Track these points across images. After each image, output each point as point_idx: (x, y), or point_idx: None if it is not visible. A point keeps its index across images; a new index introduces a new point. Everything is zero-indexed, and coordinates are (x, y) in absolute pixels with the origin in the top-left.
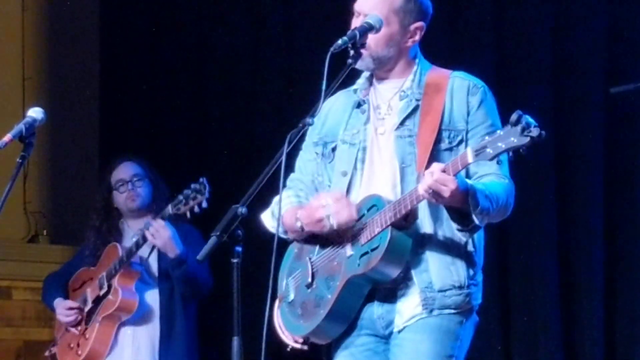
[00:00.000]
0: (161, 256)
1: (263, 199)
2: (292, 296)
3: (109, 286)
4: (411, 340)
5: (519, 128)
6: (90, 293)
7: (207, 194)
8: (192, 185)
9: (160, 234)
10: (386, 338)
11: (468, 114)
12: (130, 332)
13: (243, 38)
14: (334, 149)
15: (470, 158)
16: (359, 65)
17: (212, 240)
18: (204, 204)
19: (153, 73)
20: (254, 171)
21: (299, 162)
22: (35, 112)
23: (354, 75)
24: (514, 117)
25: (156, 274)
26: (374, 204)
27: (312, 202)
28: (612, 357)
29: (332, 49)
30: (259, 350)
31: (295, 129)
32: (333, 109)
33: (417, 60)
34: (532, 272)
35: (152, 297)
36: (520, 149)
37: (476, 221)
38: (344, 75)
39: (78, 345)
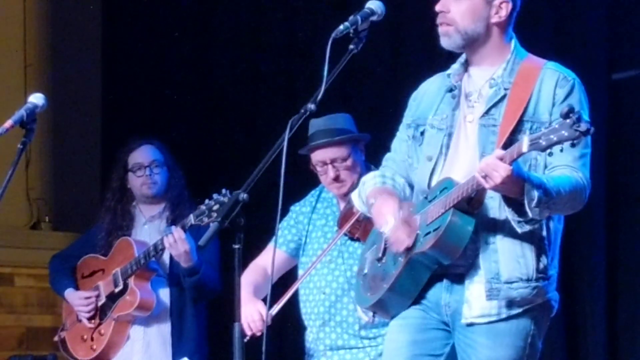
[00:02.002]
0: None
1: (265, 185)
2: (366, 269)
3: (125, 285)
4: (484, 346)
5: (569, 122)
6: (103, 287)
7: None
8: (215, 197)
9: (177, 246)
10: (447, 323)
11: (553, 105)
12: (141, 327)
13: (246, 23)
14: (422, 133)
15: (524, 148)
16: (447, 44)
17: (214, 226)
18: None
19: (156, 58)
20: (256, 157)
21: (395, 141)
22: (36, 98)
23: (449, 59)
24: (564, 109)
25: (167, 270)
26: (445, 186)
27: (386, 205)
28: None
29: (333, 34)
30: (261, 336)
31: (297, 115)
32: (428, 92)
33: (512, 48)
34: None
35: (163, 294)
36: (571, 142)
37: (530, 213)
38: (345, 61)
39: (92, 339)
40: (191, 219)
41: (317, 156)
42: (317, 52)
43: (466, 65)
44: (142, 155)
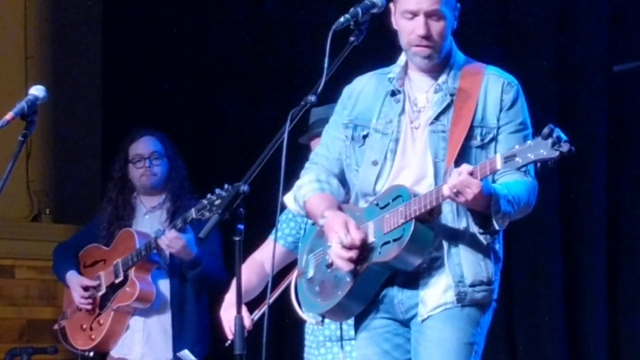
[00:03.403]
0: None
1: (265, 177)
2: (311, 273)
3: (125, 276)
4: (434, 329)
5: (549, 142)
6: (104, 277)
7: None
8: (217, 191)
9: (173, 244)
10: (405, 322)
11: (500, 111)
12: (141, 319)
13: (247, 15)
14: (365, 136)
15: (498, 165)
16: (426, 64)
17: (214, 218)
18: None
19: (156, 50)
20: (257, 149)
21: (326, 138)
22: (37, 90)
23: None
24: (545, 130)
25: (168, 262)
26: (399, 194)
27: (339, 220)
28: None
29: (334, 26)
30: (261, 327)
31: (297, 107)
32: (364, 92)
33: (452, 52)
34: (535, 271)
35: (164, 285)
36: (548, 162)
37: (496, 226)
38: (346, 53)
39: (91, 329)
40: (192, 213)
41: (317, 144)
42: (318, 44)
43: (406, 68)
44: (143, 146)
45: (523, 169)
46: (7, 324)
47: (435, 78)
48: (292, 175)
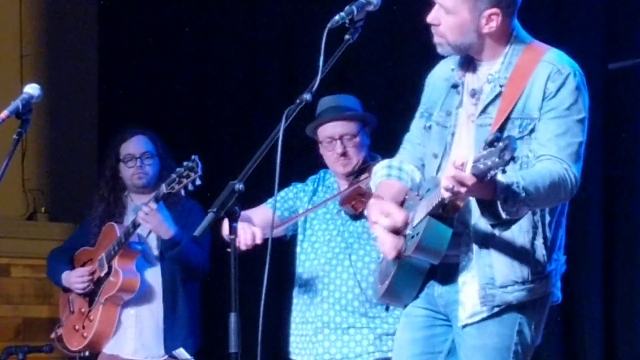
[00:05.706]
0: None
1: (260, 175)
2: (381, 258)
3: (109, 267)
4: (471, 335)
5: (496, 150)
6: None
7: (199, 171)
8: (185, 164)
9: (150, 218)
10: (446, 316)
11: (543, 100)
12: (133, 312)
13: (244, 13)
14: (429, 127)
15: (468, 170)
16: (442, 52)
17: (209, 216)
18: (198, 182)
19: (152, 49)
20: (252, 147)
21: (412, 123)
22: (31, 89)
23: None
24: (490, 138)
25: (156, 252)
26: (429, 186)
27: (375, 205)
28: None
29: (329, 24)
30: (257, 326)
31: (293, 106)
32: (436, 79)
33: (510, 42)
34: None
35: (154, 276)
36: (500, 168)
37: (503, 215)
38: (341, 51)
39: (83, 327)
40: (163, 188)
41: (327, 131)
42: (314, 42)
43: (471, 57)
44: (134, 146)
45: (559, 157)
46: (3, 322)
47: (491, 68)
48: (288, 173)
